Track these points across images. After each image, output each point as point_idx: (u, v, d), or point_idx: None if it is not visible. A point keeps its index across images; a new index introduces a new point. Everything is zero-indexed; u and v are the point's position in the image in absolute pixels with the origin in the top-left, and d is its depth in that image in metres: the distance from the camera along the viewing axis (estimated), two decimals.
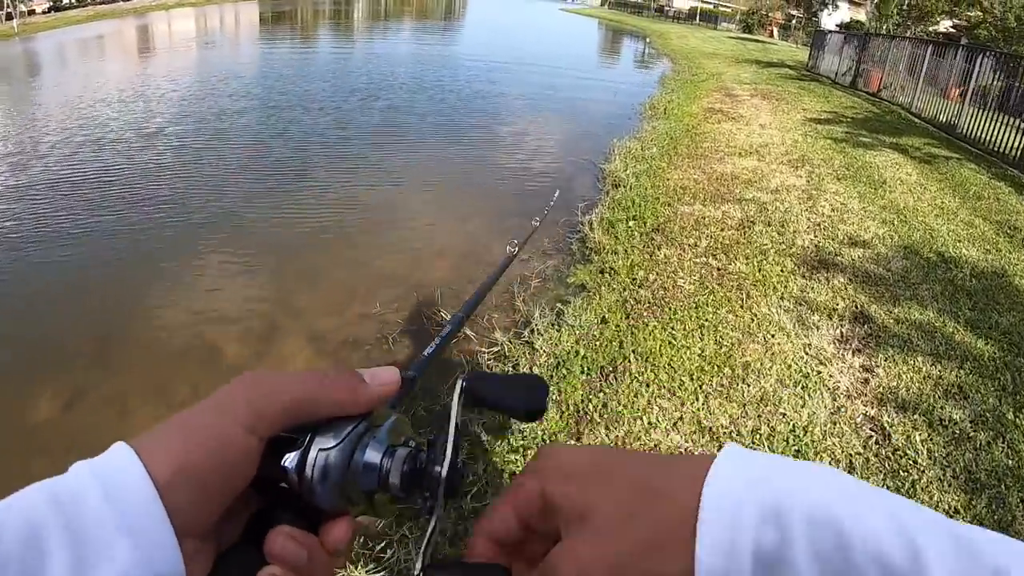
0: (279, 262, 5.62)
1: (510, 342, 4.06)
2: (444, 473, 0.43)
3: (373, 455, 0.43)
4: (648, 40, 33.32)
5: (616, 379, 3.62)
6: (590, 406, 3.37)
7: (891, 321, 4.45)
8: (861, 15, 49.24)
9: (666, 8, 65.75)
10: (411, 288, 5.06)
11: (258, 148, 8.93)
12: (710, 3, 64.71)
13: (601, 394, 3.48)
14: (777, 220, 6.25)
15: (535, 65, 20.05)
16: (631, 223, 6.09)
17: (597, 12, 67.72)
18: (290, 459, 0.41)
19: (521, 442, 3.06)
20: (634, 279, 4.95)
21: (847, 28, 34.50)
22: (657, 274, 5.04)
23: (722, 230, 5.95)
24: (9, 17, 30.86)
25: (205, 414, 0.39)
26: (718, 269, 5.13)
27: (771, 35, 52.55)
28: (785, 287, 4.86)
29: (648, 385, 3.56)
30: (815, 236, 5.92)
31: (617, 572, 0.36)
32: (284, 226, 6.33)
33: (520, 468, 2.93)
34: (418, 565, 0.43)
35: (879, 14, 27.11)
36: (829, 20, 49.04)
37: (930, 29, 26.59)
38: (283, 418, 0.40)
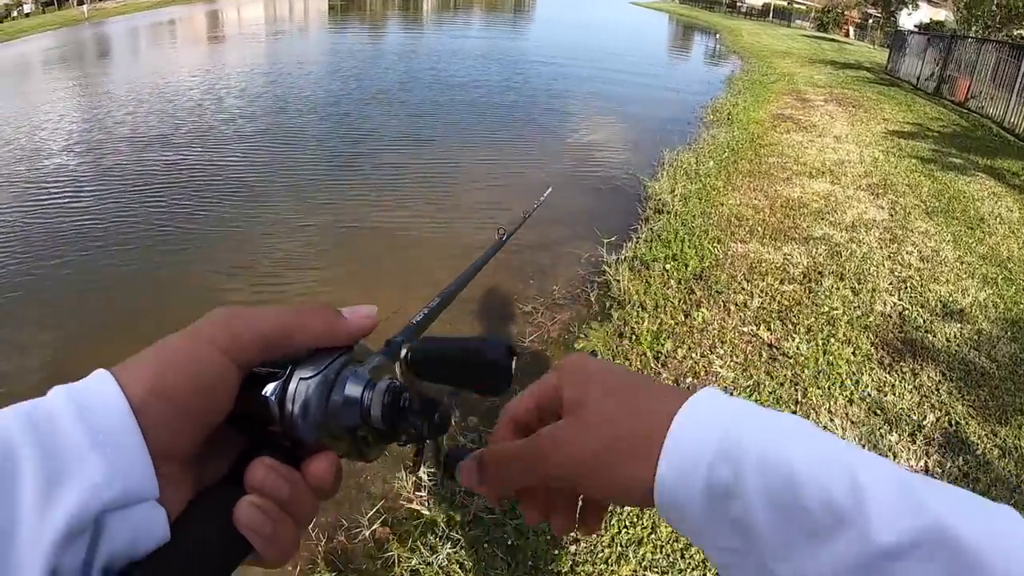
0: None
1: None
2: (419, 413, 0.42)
3: (354, 388, 0.41)
4: (718, 36, 31.15)
5: (596, 546, 2.43)
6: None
7: (995, 451, 3.08)
8: (941, 15, 45.58)
9: (738, 4, 62.30)
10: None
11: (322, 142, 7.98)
12: (784, 0, 61.07)
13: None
14: (852, 271, 4.84)
15: (598, 61, 18.61)
16: (669, 265, 4.80)
17: (668, 6, 64.81)
18: (270, 389, 0.39)
19: None
20: (657, 353, 3.70)
21: (927, 29, 31.61)
22: (689, 347, 3.77)
23: (781, 282, 4.60)
24: (80, 2, 31.01)
25: (182, 339, 0.37)
26: (770, 346, 3.82)
27: (847, 34, 49.10)
28: (856, 384, 3.51)
29: (641, 562, 2.36)
30: (899, 299, 4.50)
31: (586, 461, 0.39)
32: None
33: None
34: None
35: (967, 15, 24.35)
36: (908, 20, 45.54)
37: (1014, 33, 23.71)
38: (260, 346, 0.39)
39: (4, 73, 16.06)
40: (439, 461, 0.45)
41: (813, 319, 4.12)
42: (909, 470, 0.34)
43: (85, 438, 0.32)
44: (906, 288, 4.66)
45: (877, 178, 7.38)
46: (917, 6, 48.72)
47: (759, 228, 5.56)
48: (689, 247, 5.09)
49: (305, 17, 28.58)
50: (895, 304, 4.42)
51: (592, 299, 4.48)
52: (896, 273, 4.88)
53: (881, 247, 5.35)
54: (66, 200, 6.56)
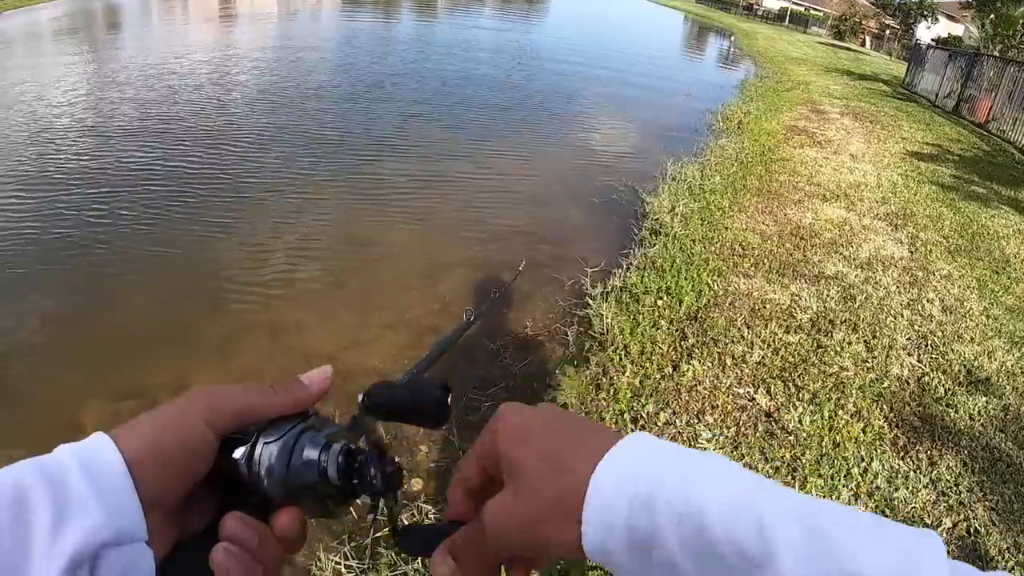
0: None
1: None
2: (374, 468, 0.45)
3: (311, 450, 0.44)
4: (733, 39, 30.25)
5: None
6: None
7: (1018, 572, 2.49)
8: (959, 29, 44.49)
9: (755, 7, 61.01)
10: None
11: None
12: (801, 5, 59.74)
13: None
14: (867, 321, 4.19)
15: (606, 59, 17.87)
16: (661, 300, 4.16)
17: (683, 5, 63.49)
18: (239, 452, 0.44)
19: None
20: (637, 415, 3.08)
21: (944, 44, 30.64)
22: (674, 410, 3.13)
23: (787, 331, 3.96)
24: None
25: (171, 409, 0.43)
26: (767, 416, 3.17)
27: (863, 44, 48.02)
28: (864, 473, 2.87)
29: None
30: (918, 360, 3.85)
31: (525, 529, 0.40)
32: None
33: None
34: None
35: (991, 33, 23.36)
36: (927, 33, 44.45)
37: None
38: (235, 418, 0.44)
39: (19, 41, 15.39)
40: (393, 527, 0.48)
41: (820, 382, 3.47)
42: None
43: (88, 487, 0.37)
44: (926, 346, 4.01)
45: (896, 206, 6.70)
46: (936, 19, 47.63)
47: (765, 260, 4.90)
48: (686, 279, 4.45)
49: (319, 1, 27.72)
50: (913, 367, 3.77)
51: (570, 337, 3.84)
52: (916, 326, 4.23)
53: (900, 292, 4.69)
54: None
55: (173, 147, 6.68)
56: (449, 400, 0.48)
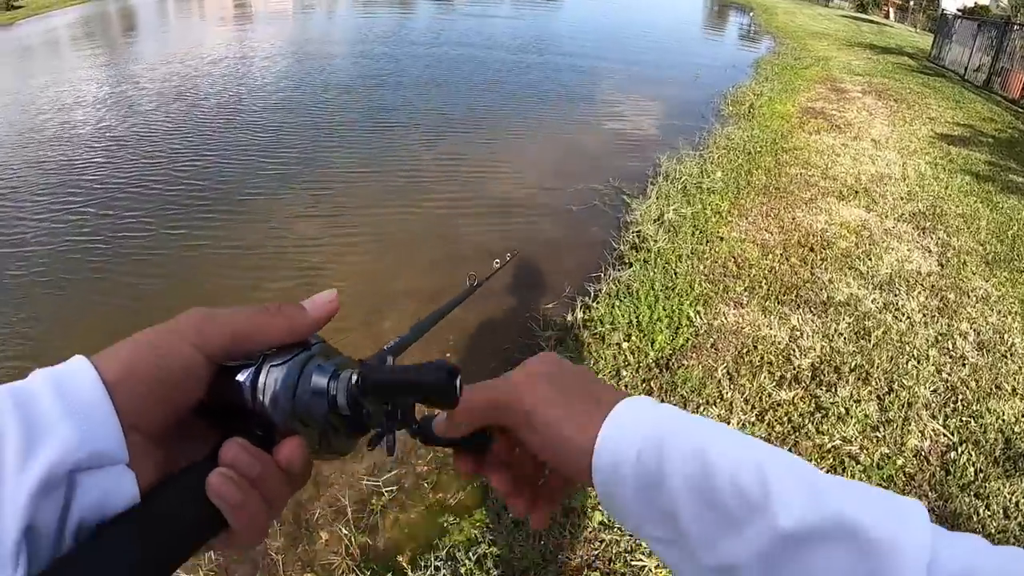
0: None
1: None
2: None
3: (320, 377, 0.42)
4: (752, 14, 28.62)
5: None
6: None
7: None
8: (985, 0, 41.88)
9: None
10: None
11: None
12: None
13: None
14: (882, 368, 3.26)
15: (615, 36, 16.74)
16: (628, 341, 3.31)
17: None
18: (244, 375, 0.41)
19: None
20: (572, 523, 2.26)
21: (971, 13, 28.66)
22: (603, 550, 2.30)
23: (779, 386, 3.06)
24: None
25: (155, 333, 0.39)
26: None
27: (887, 16, 45.55)
28: None
29: None
30: (944, 425, 2.91)
31: (545, 406, 0.45)
32: None
33: None
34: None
35: (1021, 1, 21.51)
36: (952, 3, 42.00)
37: None
38: (228, 341, 0.40)
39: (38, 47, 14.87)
40: (413, 430, 0.46)
41: (814, 462, 2.61)
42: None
43: (60, 408, 0.34)
44: (956, 403, 3.08)
45: (924, 203, 5.69)
46: None
47: (764, 281, 3.99)
48: (663, 310, 3.57)
49: None
50: (937, 435, 2.86)
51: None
52: (944, 373, 3.30)
53: (926, 322, 3.74)
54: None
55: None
56: (459, 383, 0.40)
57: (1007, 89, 13.10)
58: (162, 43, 12.79)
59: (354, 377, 0.41)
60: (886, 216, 5.28)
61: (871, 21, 36.42)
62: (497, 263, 0.98)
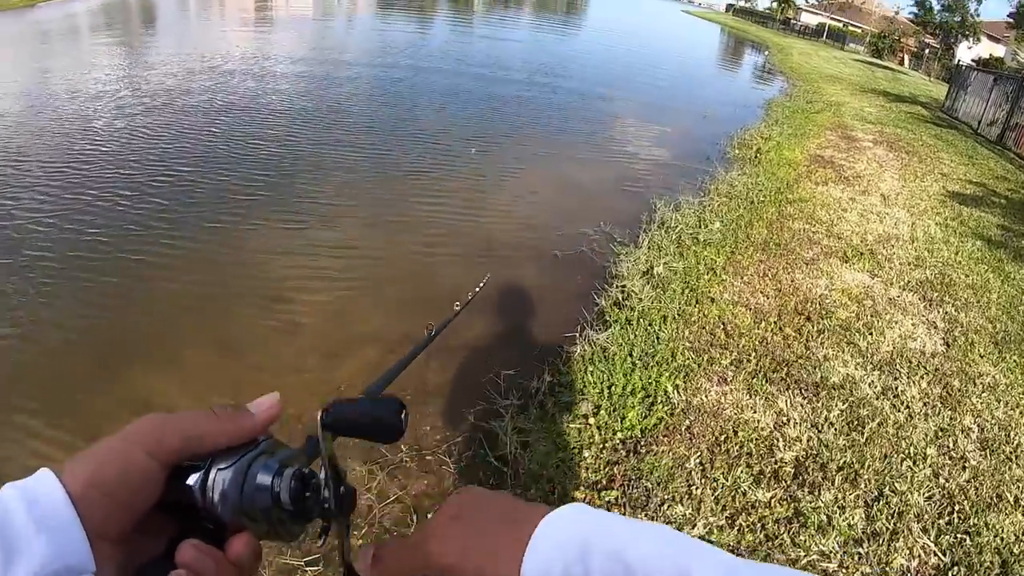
0: None
1: None
2: (329, 489, 0.46)
3: (264, 475, 0.44)
4: (767, 54, 28.52)
5: None
6: None
7: None
8: (1001, 51, 41.75)
9: (792, 21, 58.45)
10: None
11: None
12: (840, 21, 57.07)
13: None
14: (874, 469, 2.84)
15: (628, 70, 16.59)
16: (596, 417, 2.95)
17: (720, 17, 61.44)
18: (193, 479, 0.43)
19: None
20: None
21: (985, 65, 28.41)
22: None
23: (757, 483, 2.67)
24: None
25: (113, 442, 0.42)
26: None
27: (901, 62, 45.53)
28: None
29: None
30: (935, 542, 2.50)
31: (465, 551, 0.44)
32: None
33: None
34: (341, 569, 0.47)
35: None
36: (967, 53, 41.87)
37: None
38: (181, 446, 0.43)
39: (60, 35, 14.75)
40: (343, 558, 0.47)
41: None
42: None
43: (33, 524, 0.36)
44: (951, 515, 2.69)
45: (932, 270, 5.33)
46: (979, 40, 44.81)
47: (753, 354, 3.63)
48: (639, 380, 3.22)
49: (353, 3, 26.83)
50: (927, 555, 2.48)
51: (473, 456, 2.68)
52: (941, 477, 2.91)
53: (926, 414, 3.36)
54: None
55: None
56: (404, 415, 0.47)
57: (1021, 146, 12.80)
58: (168, 43, 12.61)
59: (295, 472, 0.44)
60: (891, 283, 4.92)
61: (886, 67, 36.34)
62: (457, 305, 0.93)
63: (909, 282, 5.00)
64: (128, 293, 3.86)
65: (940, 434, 3.21)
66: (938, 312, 4.56)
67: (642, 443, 2.84)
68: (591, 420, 2.96)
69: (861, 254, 5.42)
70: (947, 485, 2.87)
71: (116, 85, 8.74)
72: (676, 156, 8.28)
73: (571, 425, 2.91)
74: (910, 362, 3.82)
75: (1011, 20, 36.86)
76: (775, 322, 4.02)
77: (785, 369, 3.53)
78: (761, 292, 4.43)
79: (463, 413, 3.04)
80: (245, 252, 4.43)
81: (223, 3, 23.12)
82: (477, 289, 1.03)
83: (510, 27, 24.67)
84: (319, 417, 0.46)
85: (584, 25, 33.09)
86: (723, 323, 3.92)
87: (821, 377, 3.50)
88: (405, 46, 15.06)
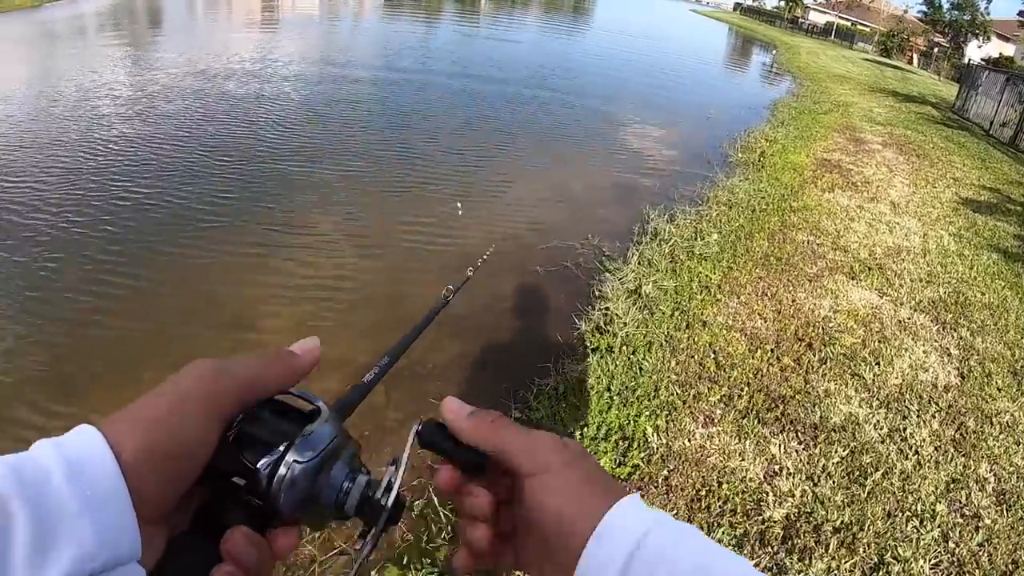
0: None
1: None
2: (390, 503, 0.42)
3: (339, 476, 0.41)
4: (774, 53, 27.94)
5: None
6: None
7: None
8: (1011, 50, 40.82)
9: (801, 20, 57.53)
10: None
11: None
12: (848, 19, 56.15)
13: None
14: (875, 530, 2.43)
15: (633, 70, 16.15)
16: None
17: (728, 16, 60.69)
18: (263, 463, 0.38)
19: None
20: None
21: (995, 64, 27.75)
22: None
23: (739, 545, 2.27)
24: None
25: (167, 398, 0.35)
26: None
27: (910, 61, 44.70)
28: None
29: None
30: None
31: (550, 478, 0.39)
32: None
33: None
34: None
35: None
36: (977, 52, 41.03)
37: None
38: (236, 400, 0.38)
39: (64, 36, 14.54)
40: (364, 561, 0.42)
41: None
42: None
43: (76, 501, 0.29)
44: None
45: (946, 288, 4.90)
46: (989, 38, 43.85)
47: (746, 388, 3.23)
48: (616, 419, 2.84)
49: (360, 4, 26.53)
50: None
51: (421, 509, 2.32)
52: (951, 541, 2.50)
53: (936, 461, 2.95)
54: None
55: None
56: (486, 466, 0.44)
57: None
58: (169, 46, 12.30)
59: (368, 481, 0.42)
60: (902, 303, 4.50)
61: (894, 66, 35.61)
62: (470, 271, 0.96)
63: (921, 302, 4.57)
64: (83, 323, 3.51)
65: (952, 486, 2.81)
66: (952, 337, 4.14)
67: None
68: None
69: (869, 269, 5.00)
70: (957, 551, 2.47)
71: (98, 96, 8.42)
72: (676, 160, 7.86)
73: None
74: (920, 397, 3.41)
75: (1022, 19, 36.06)
76: (772, 350, 3.62)
77: (781, 407, 3.13)
78: (759, 314, 4.03)
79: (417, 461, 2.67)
80: (204, 280, 4.07)
81: (230, 4, 22.91)
82: (485, 256, 1.05)
83: (516, 28, 24.28)
84: (414, 429, 0.44)
85: (591, 26, 32.62)
86: (714, 351, 3.53)
87: (821, 417, 3.10)
88: (406, 49, 14.70)
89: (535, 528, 0.39)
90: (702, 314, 3.91)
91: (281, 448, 0.39)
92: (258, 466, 0.38)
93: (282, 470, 0.38)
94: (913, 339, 4.01)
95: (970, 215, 7.09)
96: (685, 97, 13.35)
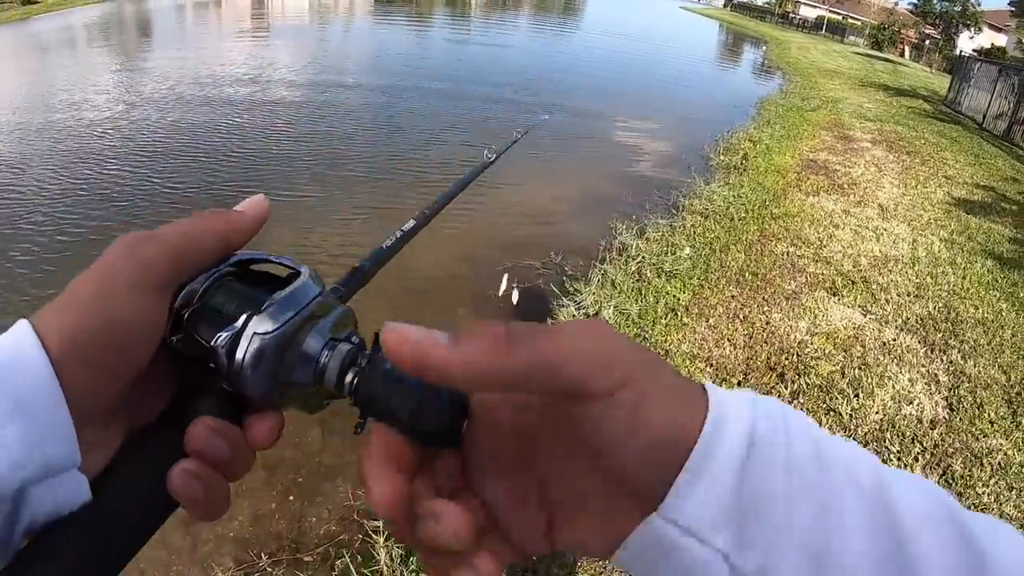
0: None
1: None
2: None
3: (313, 345, 0.33)
4: (764, 49, 27.54)
5: None
6: None
7: None
8: (1002, 40, 40.45)
9: (791, 15, 57.15)
10: None
11: None
12: (839, 13, 55.76)
13: None
14: None
15: (617, 70, 15.81)
16: None
17: (718, 13, 60.33)
18: (222, 338, 0.32)
19: None
20: None
21: (987, 55, 27.41)
22: None
23: None
24: None
25: (92, 276, 0.30)
26: None
27: (902, 54, 44.34)
28: None
29: None
30: None
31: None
32: None
33: None
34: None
35: None
36: (969, 44, 40.67)
37: None
38: (172, 266, 0.32)
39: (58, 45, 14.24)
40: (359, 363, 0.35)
41: None
42: None
43: (3, 405, 0.26)
44: None
45: (936, 302, 4.51)
46: (980, 29, 43.47)
47: None
48: None
49: (351, 5, 26.22)
50: None
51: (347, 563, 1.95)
52: None
53: None
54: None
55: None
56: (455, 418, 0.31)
57: None
58: (156, 56, 11.97)
59: (352, 350, 0.33)
60: (887, 321, 4.12)
61: (886, 59, 35.21)
62: (518, 132, 0.95)
63: (908, 319, 4.19)
64: None
65: None
66: (941, 361, 3.75)
67: None
68: None
69: (853, 283, 4.62)
70: None
71: (83, 108, 8.06)
72: (655, 164, 7.49)
73: None
74: (903, 435, 3.03)
75: (1013, 8, 35.66)
76: (739, 383, 3.24)
77: None
78: (728, 339, 3.65)
79: (321, 541, 2.29)
80: None
81: (220, 14, 22.67)
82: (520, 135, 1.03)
83: (508, 30, 23.93)
84: (349, 360, 0.33)
85: (579, 28, 32.26)
86: None
87: None
88: (394, 57, 14.35)
89: (604, 458, 0.27)
90: (665, 341, 3.53)
91: (241, 320, 0.32)
92: (214, 343, 0.32)
93: (242, 344, 0.31)
94: (898, 364, 3.63)
95: (963, 217, 6.70)
96: (670, 98, 12.98)
